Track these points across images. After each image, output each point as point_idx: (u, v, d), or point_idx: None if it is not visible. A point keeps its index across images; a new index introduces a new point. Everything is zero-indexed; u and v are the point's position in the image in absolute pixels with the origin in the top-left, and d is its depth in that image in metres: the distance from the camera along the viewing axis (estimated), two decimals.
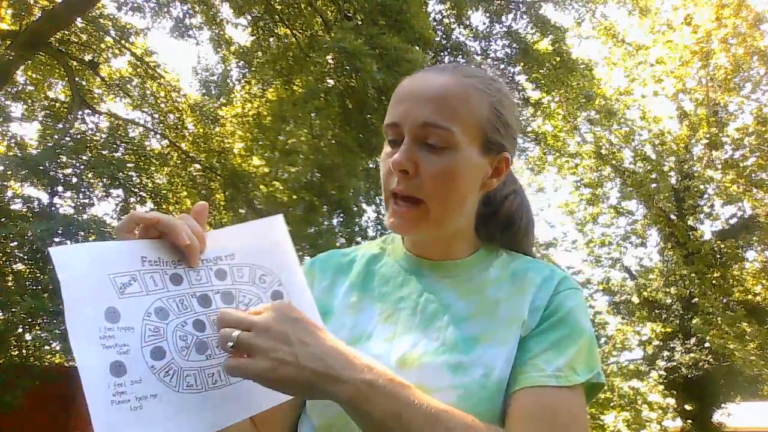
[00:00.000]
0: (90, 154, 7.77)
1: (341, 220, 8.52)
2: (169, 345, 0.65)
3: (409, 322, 0.81)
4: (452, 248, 0.88)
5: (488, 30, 10.86)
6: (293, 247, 0.78)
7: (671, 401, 13.73)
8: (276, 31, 8.64)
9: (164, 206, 8.97)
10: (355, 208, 8.55)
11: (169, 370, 0.64)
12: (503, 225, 0.93)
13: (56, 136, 7.67)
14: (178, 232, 0.67)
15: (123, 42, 8.94)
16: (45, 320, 6.35)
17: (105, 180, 7.88)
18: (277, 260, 0.76)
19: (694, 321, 12.38)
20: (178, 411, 0.63)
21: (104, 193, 8.25)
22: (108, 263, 0.65)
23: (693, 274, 12.84)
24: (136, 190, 8.68)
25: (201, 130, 9.67)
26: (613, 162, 14.07)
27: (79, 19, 7.86)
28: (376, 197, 8.96)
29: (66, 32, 8.10)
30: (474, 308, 0.81)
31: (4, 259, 6.88)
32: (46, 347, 7.61)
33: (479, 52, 10.90)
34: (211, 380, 0.66)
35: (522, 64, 10.69)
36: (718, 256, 13.32)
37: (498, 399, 0.73)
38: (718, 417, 13.35)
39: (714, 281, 12.94)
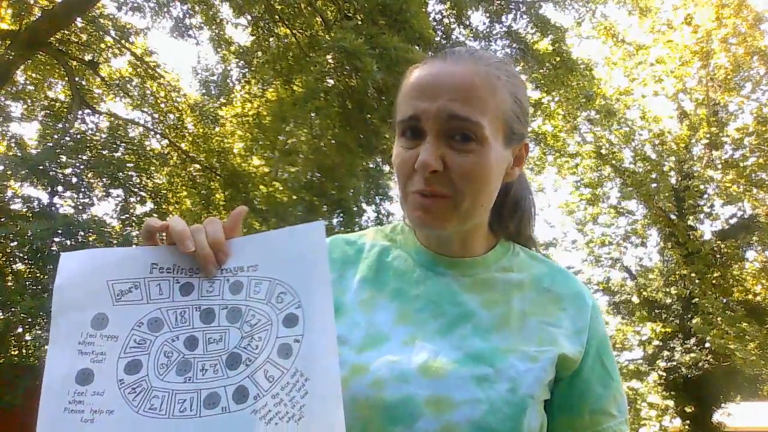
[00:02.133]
0: (90, 154, 7.77)
1: (341, 220, 8.52)
2: (149, 360, 0.60)
3: (429, 326, 0.76)
4: (470, 243, 0.83)
5: (488, 30, 10.85)
6: (327, 262, 0.66)
7: (671, 401, 13.73)
8: (276, 31, 8.64)
9: (164, 206, 8.97)
10: (355, 208, 8.55)
11: (137, 387, 0.59)
12: (512, 211, 0.89)
13: (56, 136, 7.67)
14: (181, 239, 0.63)
15: (123, 42, 8.94)
16: (45, 320, 6.35)
17: (105, 180, 7.89)
18: (304, 277, 0.65)
19: (694, 321, 12.38)
20: None
21: (104, 193, 8.25)
22: (109, 269, 0.62)
23: (693, 274, 12.84)
24: (136, 190, 8.68)
25: (201, 130, 9.67)
26: (613, 162, 14.06)
27: (79, 19, 7.85)
28: (376, 197, 8.97)
29: (66, 32, 8.10)
30: (499, 318, 0.77)
31: (4, 259, 6.88)
32: (46, 347, 7.61)
33: None
34: (179, 407, 0.58)
35: (522, 64, 10.68)
36: (718, 256, 13.32)
37: (521, 417, 0.70)
38: (717, 417, 13.35)
39: (714, 281, 12.93)
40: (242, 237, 0.68)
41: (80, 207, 7.41)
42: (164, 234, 0.66)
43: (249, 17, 8.54)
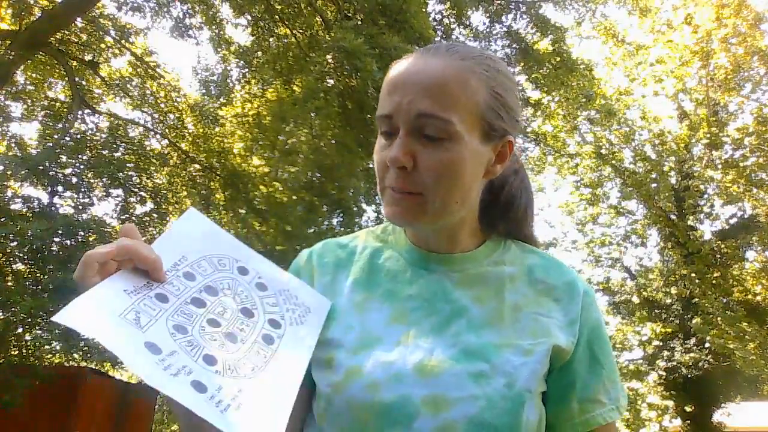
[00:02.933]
0: (90, 154, 7.77)
1: (341, 220, 8.52)
2: (212, 349, 0.66)
3: (422, 325, 0.76)
4: (458, 239, 0.83)
5: (488, 30, 10.86)
6: (218, 227, 0.79)
7: (671, 401, 13.73)
8: (276, 31, 8.64)
9: (164, 206, 8.97)
10: (355, 208, 8.55)
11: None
12: (503, 210, 0.88)
13: (56, 136, 7.68)
14: (141, 253, 0.65)
15: (123, 42, 8.94)
16: (45, 320, 6.35)
17: (105, 180, 7.89)
18: (218, 243, 0.77)
19: (694, 321, 12.38)
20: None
21: (104, 193, 8.25)
22: (110, 305, 0.62)
23: (693, 274, 12.84)
24: (136, 190, 8.69)
25: (201, 130, 9.67)
26: (613, 162, 14.06)
27: (79, 19, 7.86)
28: (376, 197, 8.96)
29: (66, 32, 8.10)
30: (493, 312, 0.77)
31: (4, 259, 6.88)
32: (46, 347, 7.61)
33: None
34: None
35: (522, 64, 10.68)
36: (718, 256, 13.32)
37: (519, 411, 0.70)
38: (717, 417, 13.35)
39: (714, 281, 12.93)
40: (156, 240, 0.72)
41: (80, 207, 7.41)
42: (99, 267, 0.64)
43: (249, 17, 8.55)
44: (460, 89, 0.73)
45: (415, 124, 0.72)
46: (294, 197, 7.89)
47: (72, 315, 0.58)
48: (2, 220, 6.42)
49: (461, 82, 0.73)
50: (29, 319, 6.35)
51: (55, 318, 0.57)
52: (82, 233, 6.60)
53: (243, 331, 0.69)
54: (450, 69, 0.73)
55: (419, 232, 0.84)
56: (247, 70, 9.26)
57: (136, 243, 0.65)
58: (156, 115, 9.75)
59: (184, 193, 9.72)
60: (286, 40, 8.50)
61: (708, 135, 12.77)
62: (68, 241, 6.65)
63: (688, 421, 13.37)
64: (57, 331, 6.24)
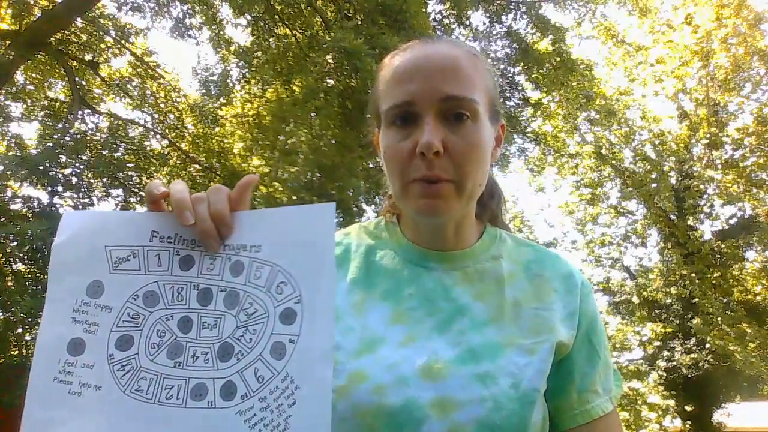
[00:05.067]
0: (90, 154, 7.77)
1: (341, 220, 8.51)
2: (141, 337, 0.58)
3: (425, 324, 0.75)
4: (459, 235, 0.81)
5: (488, 30, 10.85)
6: (334, 252, 0.61)
7: (671, 401, 13.72)
8: (276, 31, 8.64)
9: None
10: (355, 208, 8.54)
11: (127, 365, 0.57)
12: (489, 195, 0.89)
13: (56, 136, 7.67)
14: (180, 210, 0.58)
15: (123, 42, 8.94)
16: None
17: (105, 180, 7.88)
18: (307, 267, 0.60)
19: (694, 321, 12.37)
20: (112, 413, 0.56)
21: (104, 193, 8.24)
22: (109, 234, 0.59)
23: (693, 274, 12.83)
24: (136, 190, 8.68)
25: (201, 130, 9.67)
26: (613, 162, 14.07)
27: (79, 19, 7.85)
28: (376, 197, 8.95)
29: (66, 32, 8.10)
30: (494, 311, 0.76)
31: (4, 259, 6.87)
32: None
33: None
34: (166, 393, 0.56)
35: (522, 64, 10.67)
36: (718, 256, 13.31)
37: (527, 410, 0.70)
38: (718, 417, 13.34)
39: (714, 281, 12.92)
40: (249, 211, 0.63)
41: (80, 207, 7.40)
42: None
43: (249, 17, 8.54)
44: (475, 72, 0.74)
45: (441, 108, 0.72)
46: (294, 197, 7.88)
47: (71, 217, 0.55)
48: (2, 220, 6.42)
49: (473, 65, 0.75)
50: (29, 319, 6.34)
51: (65, 212, 0.54)
52: None
53: (192, 358, 0.60)
54: (460, 54, 0.74)
55: (433, 225, 0.80)
56: (247, 70, 9.26)
57: (188, 198, 0.60)
58: (156, 115, 9.75)
59: None
60: (286, 40, 8.50)
61: (708, 135, 12.77)
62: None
63: (689, 421, 13.37)
64: None
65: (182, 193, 0.60)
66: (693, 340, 12.87)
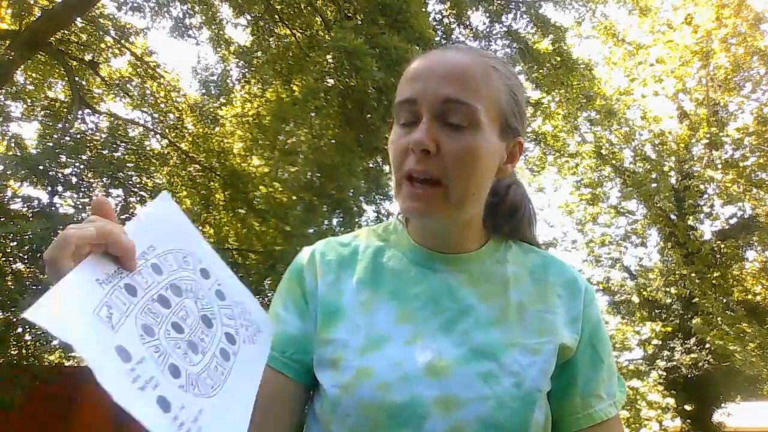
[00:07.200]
0: (90, 154, 7.76)
1: (341, 220, 8.51)
2: (177, 359, 0.59)
3: (430, 324, 0.76)
4: (464, 239, 0.83)
5: (488, 30, 10.85)
6: (186, 217, 0.72)
7: (671, 401, 13.73)
8: (276, 30, 8.64)
9: None
10: (355, 208, 8.54)
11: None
12: (509, 214, 0.89)
13: (56, 136, 7.67)
14: (120, 239, 0.58)
15: (123, 42, 8.94)
16: None
17: (105, 180, 7.87)
18: (185, 238, 0.70)
19: (694, 321, 12.37)
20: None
21: (104, 193, 8.23)
22: (83, 300, 0.55)
23: (693, 274, 12.83)
24: (136, 190, 8.67)
25: (201, 130, 9.67)
26: (613, 162, 14.07)
27: (79, 19, 7.85)
28: (376, 197, 8.95)
29: (66, 32, 8.10)
30: (498, 311, 0.77)
31: (4, 259, 6.87)
32: (46, 347, 7.61)
33: None
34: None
35: (522, 64, 10.67)
36: (718, 256, 13.32)
37: (528, 410, 0.71)
38: (718, 417, 13.34)
39: (714, 281, 12.92)
40: (124, 226, 0.65)
41: (80, 207, 7.40)
42: (74, 250, 0.58)
43: (249, 17, 8.55)
44: (484, 81, 0.75)
45: (439, 110, 0.73)
46: (294, 197, 7.88)
47: (44, 312, 0.50)
48: (2, 219, 6.42)
49: (485, 75, 0.75)
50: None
51: (25, 314, 0.49)
52: None
53: (203, 342, 0.63)
54: (474, 62, 0.75)
55: (431, 227, 0.83)
56: (247, 70, 9.26)
57: (114, 227, 0.59)
58: (156, 115, 9.75)
59: (184, 193, 9.72)
60: (286, 40, 8.50)
61: (708, 135, 12.77)
62: None
63: (689, 421, 13.37)
64: None
65: (104, 225, 0.59)
66: (693, 340, 12.87)
